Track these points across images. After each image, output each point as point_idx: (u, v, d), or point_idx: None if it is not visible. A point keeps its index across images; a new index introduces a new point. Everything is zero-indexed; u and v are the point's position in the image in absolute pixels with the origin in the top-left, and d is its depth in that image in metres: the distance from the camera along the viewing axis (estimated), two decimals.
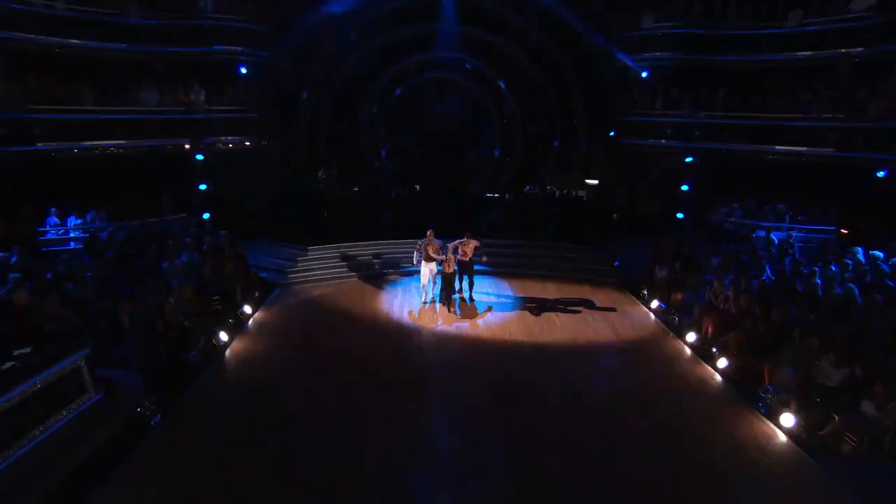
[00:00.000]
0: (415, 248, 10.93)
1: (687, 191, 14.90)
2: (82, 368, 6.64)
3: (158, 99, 14.20)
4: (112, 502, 5.45)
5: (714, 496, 5.56)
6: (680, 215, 14.70)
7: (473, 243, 10.91)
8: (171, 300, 8.89)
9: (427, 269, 10.80)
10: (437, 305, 10.90)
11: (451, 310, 10.71)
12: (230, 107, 15.07)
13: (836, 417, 6.38)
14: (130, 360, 8.03)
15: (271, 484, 5.62)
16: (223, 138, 14.98)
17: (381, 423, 6.73)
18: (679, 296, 10.60)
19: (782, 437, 6.59)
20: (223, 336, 9.15)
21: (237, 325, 9.83)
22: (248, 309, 10.41)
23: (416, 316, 10.55)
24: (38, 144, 12.51)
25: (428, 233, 10.73)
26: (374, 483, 5.64)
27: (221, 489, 5.55)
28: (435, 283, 11.03)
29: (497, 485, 5.66)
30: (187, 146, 14.24)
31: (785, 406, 6.87)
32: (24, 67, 12.82)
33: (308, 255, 13.55)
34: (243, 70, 15.41)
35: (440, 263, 10.78)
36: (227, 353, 8.91)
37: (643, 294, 11.37)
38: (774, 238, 12.15)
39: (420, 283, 11.10)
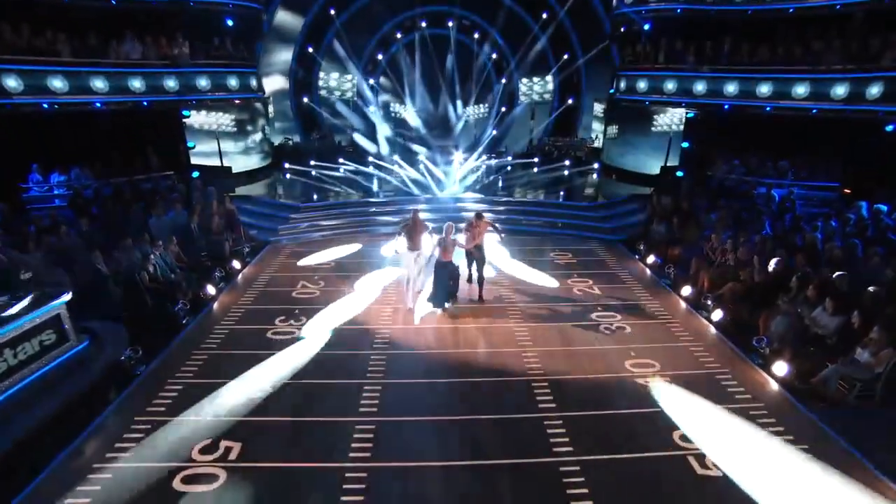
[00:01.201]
0: (396, 234, 8.62)
1: (688, 148, 14.50)
2: (63, 316, 6.53)
3: (142, 52, 13.61)
4: (98, 440, 5.41)
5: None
6: (679, 173, 14.35)
7: (485, 223, 8.68)
8: (157, 253, 8.72)
9: (413, 257, 8.46)
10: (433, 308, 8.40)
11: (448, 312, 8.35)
12: (217, 60, 14.47)
13: (829, 365, 6.29)
14: (115, 311, 7.95)
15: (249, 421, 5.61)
16: (209, 95, 14.48)
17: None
18: (676, 251, 10.43)
19: (774, 386, 6.52)
20: (210, 289, 9.02)
21: (225, 280, 9.69)
22: (236, 264, 10.24)
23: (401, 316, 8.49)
24: (14, 98, 12.06)
25: (414, 214, 8.49)
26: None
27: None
28: (423, 274, 8.76)
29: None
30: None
31: (778, 355, 6.79)
32: None
33: (301, 214, 13.33)
34: (230, 22, 14.75)
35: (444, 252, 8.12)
36: (215, 305, 8.79)
37: (639, 249, 11.17)
38: (776, 195, 11.88)
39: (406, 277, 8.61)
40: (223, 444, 5.39)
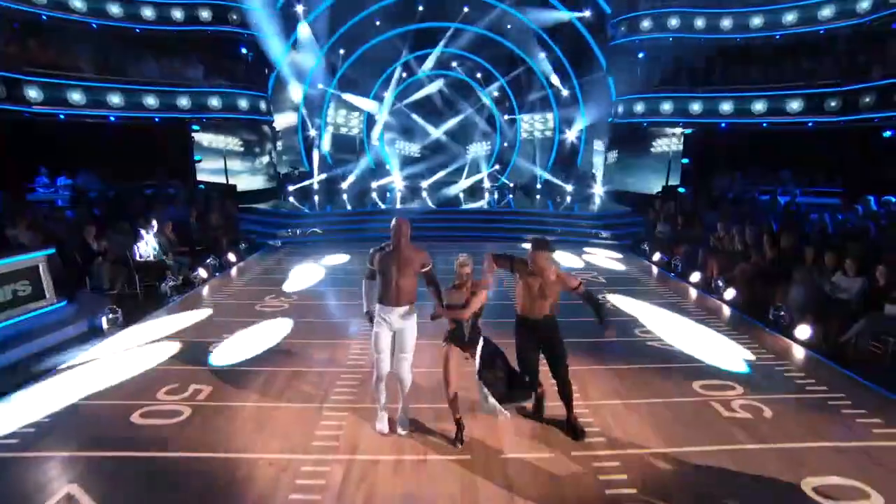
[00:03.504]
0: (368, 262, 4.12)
1: (688, 164, 14.61)
2: (42, 269, 6.26)
3: (159, 72, 14.34)
4: (58, 381, 4.96)
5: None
6: (681, 189, 14.34)
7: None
8: (150, 233, 8.57)
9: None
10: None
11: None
12: (227, 81, 15.12)
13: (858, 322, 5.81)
14: (102, 286, 7.70)
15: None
16: (219, 114, 15.01)
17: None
18: (681, 249, 10.12)
19: (800, 349, 5.99)
20: (202, 273, 8.75)
21: (219, 268, 9.44)
22: (231, 257, 10.04)
23: None
24: (34, 107, 12.57)
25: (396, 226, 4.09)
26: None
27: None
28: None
29: None
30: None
31: (800, 321, 6.31)
32: (28, 34, 13.04)
33: (300, 222, 13.31)
34: (244, 50, 15.64)
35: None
36: (204, 287, 8.48)
37: (644, 249, 10.87)
38: (780, 200, 11.74)
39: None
40: (192, 386, 4.91)
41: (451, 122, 21.75)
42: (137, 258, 8.08)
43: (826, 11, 13.55)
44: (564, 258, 10.42)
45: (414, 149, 22.39)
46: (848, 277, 6.46)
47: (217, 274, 9.27)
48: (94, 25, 13.84)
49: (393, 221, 3.95)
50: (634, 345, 6.16)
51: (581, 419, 4.29)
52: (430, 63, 20.57)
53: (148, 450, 3.91)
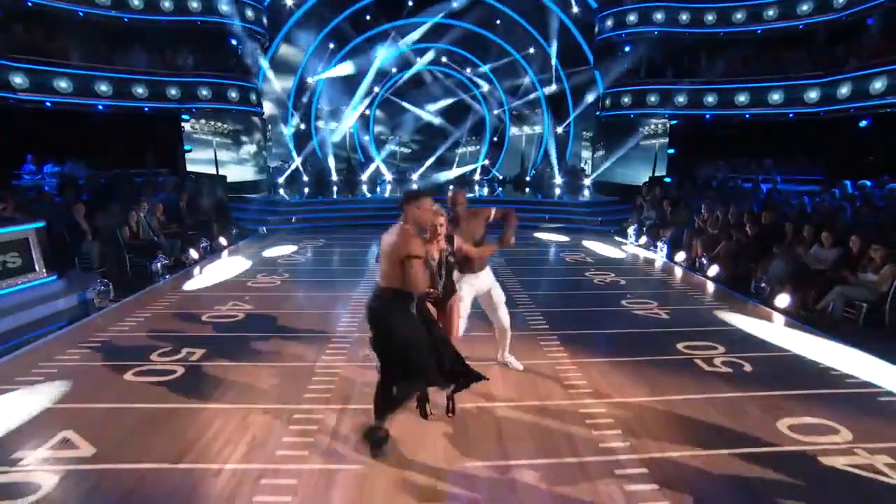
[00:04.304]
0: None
1: (673, 154, 14.91)
2: (32, 242, 6.25)
3: (147, 62, 14.27)
4: (48, 348, 4.97)
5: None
6: (667, 179, 14.62)
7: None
8: (141, 214, 8.55)
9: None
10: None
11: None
12: (217, 72, 15.09)
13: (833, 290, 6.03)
14: (91, 263, 7.67)
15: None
16: (209, 105, 14.98)
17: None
18: (668, 232, 10.35)
19: (779, 317, 6.20)
20: (193, 254, 8.76)
21: (210, 250, 9.45)
22: (223, 241, 10.05)
23: None
24: (19, 94, 12.45)
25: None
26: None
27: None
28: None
29: None
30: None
31: (779, 291, 6.53)
32: (12, 19, 12.90)
33: (291, 209, 13.36)
34: (234, 42, 15.63)
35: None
36: (195, 269, 8.49)
37: (630, 234, 11.09)
38: (763, 187, 12.05)
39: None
40: (185, 350, 4.96)
41: (444, 103, 21.69)
42: (126, 237, 8.07)
43: (804, 6, 13.96)
44: (555, 239, 10.60)
45: (405, 139, 22.50)
46: (824, 249, 6.71)
47: (207, 256, 9.28)
48: (80, 14, 13.73)
49: (450, 194, 4.18)
50: (619, 313, 6.33)
51: (570, 375, 4.44)
52: (414, 36, 20.21)
53: (141, 401, 3.96)
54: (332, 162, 19.12)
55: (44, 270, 6.38)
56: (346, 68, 19.87)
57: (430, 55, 20.59)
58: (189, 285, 7.47)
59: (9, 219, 6.19)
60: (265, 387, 4.23)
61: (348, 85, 20.65)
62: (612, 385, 4.32)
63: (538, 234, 12.02)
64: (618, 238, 11.76)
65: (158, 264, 7.92)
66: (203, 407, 3.89)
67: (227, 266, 8.74)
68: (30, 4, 13.00)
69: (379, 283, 3.17)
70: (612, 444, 3.45)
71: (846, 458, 3.31)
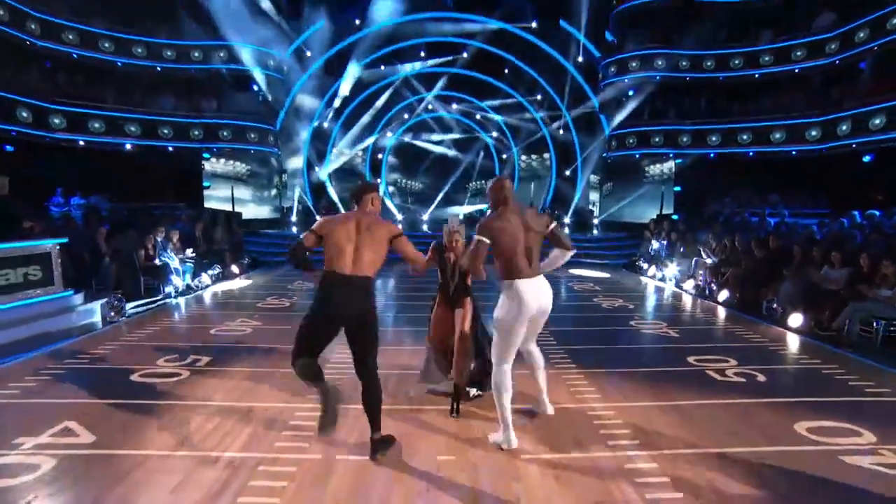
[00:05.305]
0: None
1: (680, 192, 15.09)
2: (54, 257, 6.46)
3: (175, 104, 15.19)
4: (60, 353, 5.03)
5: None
6: (675, 216, 14.71)
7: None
8: (158, 238, 8.82)
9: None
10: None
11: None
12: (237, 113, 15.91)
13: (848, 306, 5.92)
14: (108, 285, 7.86)
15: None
16: (229, 145, 15.72)
17: None
18: (675, 262, 10.31)
19: (794, 336, 6.05)
20: (206, 279, 8.92)
21: (222, 277, 9.62)
22: (235, 269, 10.24)
23: None
24: (56, 133, 13.26)
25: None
26: None
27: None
28: None
29: None
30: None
31: (791, 311, 6.41)
32: (58, 69, 14.00)
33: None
34: (255, 87, 16.62)
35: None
36: (205, 292, 8.62)
37: (639, 266, 11.06)
38: (770, 221, 12.05)
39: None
40: (192, 356, 4.99)
41: (453, 136, 22.36)
42: (142, 259, 8.29)
43: (798, 52, 14.55)
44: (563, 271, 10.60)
45: (417, 186, 23.15)
46: (834, 269, 6.64)
47: (220, 282, 9.43)
48: (120, 64, 14.86)
49: (493, 181, 3.26)
50: (627, 331, 6.24)
51: (579, 385, 4.35)
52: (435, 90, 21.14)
53: (145, 398, 3.96)
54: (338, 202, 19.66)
55: (61, 286, 6.54)
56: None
57: (432, 94, 21.49)
58: (199, 305, 7.58)
59: (35, 235, 6.44)
60: (269, 389, 4.21)
61: (361, 130, 21.61)
62: (620, 390, 4.22)
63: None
64: (626, 270, 11.74)
65: (171, 286, 8.08)
66: (205, 404, 3.88)
67: (239, 290, 8.87)
68: (75, 57, 14.15)
69: (355, 272, 2.88)
70: (620, 441, 3.34)
71: (872, 458, 3.15)
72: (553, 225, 3.30)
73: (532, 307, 3.11)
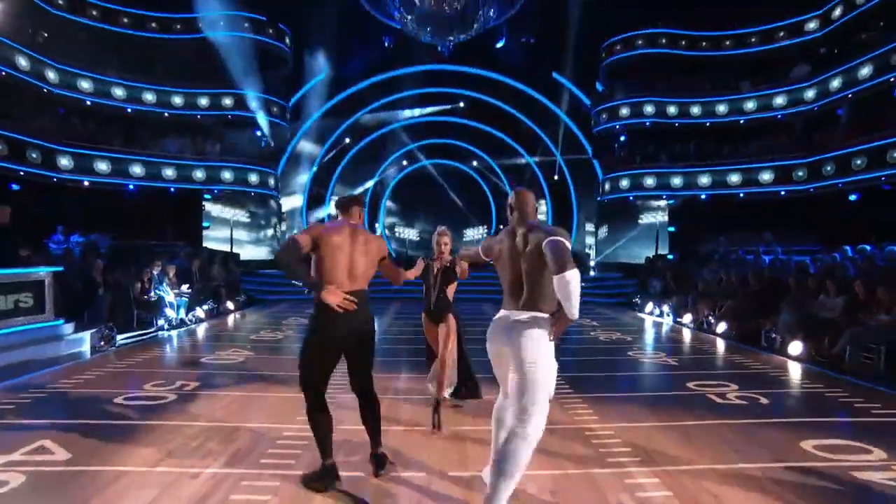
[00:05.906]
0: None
1: (674, 232, 15.28)
2: (46, 286, 6.43)
3: (180, 147, 15.64)
4: (47, 376, 4.89)
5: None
6: (670, 256, 14.83)
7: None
8: (155, 272, 8.81)
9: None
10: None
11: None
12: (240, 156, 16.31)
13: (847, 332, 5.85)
14: (101, 314, 7.76)
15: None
16: (230, 187, 16.03)
17: None
18: (672, 298, 10.29)
19: (795, 364, 5.95)
20: (200, 313, 8.82)
21: (217, 313, 9.52)
22: (230, 305, 10.15)
23: None
24: (63, 174, 13.56)
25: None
26: None
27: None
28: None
29: None
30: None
31: (790, 340, 6.34)
32: (72, 114, 14.54)
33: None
34: (258, 133, 17.20)
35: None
36: (199, 326, 8.51)
37: (636, 303, 11.01)
38: (765, 259, 12.14)
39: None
40: (179, 381, 4.85)
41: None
42: (137, 291, 8.23)
43: (779, 100, 15.29)
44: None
45: (413, 234, 23.45)
46: (830, 298, 6.63)
47: (214, 318, 9.31)
48: (129, 109, 15.45)
49: (513, 193, 2.95)
50: (625, 361, 6.13)
51: (577, 408, 4.22)
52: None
53: (127, 419, 3.81)
54: None
55: (52, 314, 6.46)
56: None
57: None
58: (192, 337, 7.47)
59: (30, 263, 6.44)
60: (256, 411, 4.07)
61: (362, 174, 22.17)
62: (619, 412, 4.09)
63: None
64: (622, 307, 11.67)
65: (164, 319, 7.98)
66: (190, 424, 3.73)
67: (233, 324, 8.76)
68: (88, 104, 14.72)
69: (353, 287, 2.77)
70: (620, 458, 3.20)
71: (883, 474, 3.01)
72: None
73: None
